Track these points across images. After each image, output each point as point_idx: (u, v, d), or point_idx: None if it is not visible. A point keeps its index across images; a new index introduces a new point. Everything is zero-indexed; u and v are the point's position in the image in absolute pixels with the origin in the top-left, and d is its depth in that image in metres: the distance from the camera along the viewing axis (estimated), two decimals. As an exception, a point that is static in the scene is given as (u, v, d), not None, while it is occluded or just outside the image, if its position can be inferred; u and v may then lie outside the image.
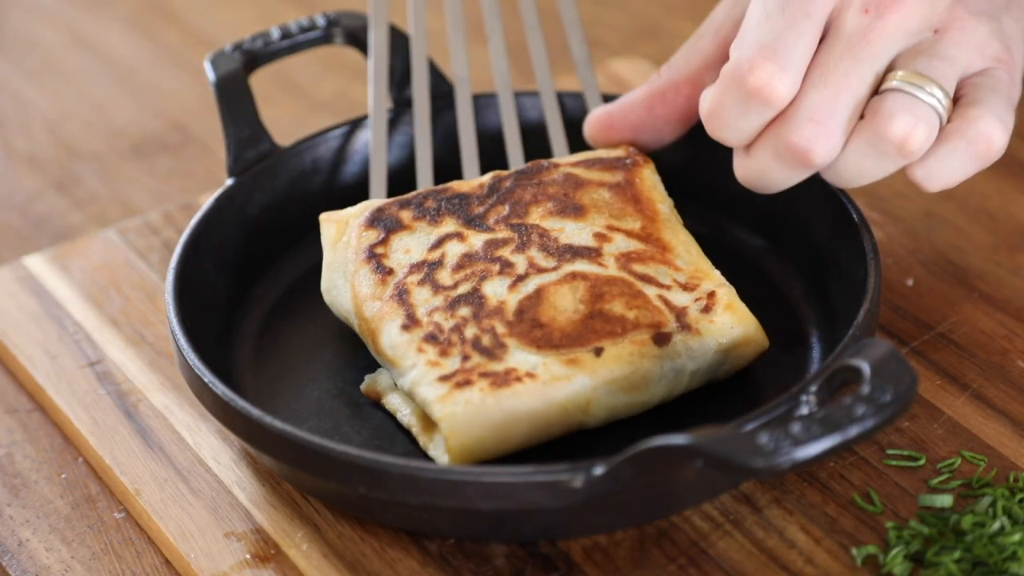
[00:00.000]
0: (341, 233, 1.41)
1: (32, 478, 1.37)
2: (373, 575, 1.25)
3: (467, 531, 1.26)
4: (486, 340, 1.30)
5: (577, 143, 1.53)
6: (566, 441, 1.30)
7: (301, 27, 1.56)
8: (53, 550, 1.31)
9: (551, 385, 1.27)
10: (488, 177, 1.44)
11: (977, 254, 1.57)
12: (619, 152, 1.45)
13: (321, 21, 1.57)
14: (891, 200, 1.65)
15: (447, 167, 1.57)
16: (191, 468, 1.35)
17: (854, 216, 1.39)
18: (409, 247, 1.39)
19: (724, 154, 1.52)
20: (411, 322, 1.32)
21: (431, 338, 1.30)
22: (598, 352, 1.28)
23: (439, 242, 1.38)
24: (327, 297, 1.41)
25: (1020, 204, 1.63)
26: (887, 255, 1.51)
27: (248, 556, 1.28)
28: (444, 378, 1.27)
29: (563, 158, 1.46)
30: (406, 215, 1.41)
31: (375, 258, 1.38)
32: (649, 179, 1.43)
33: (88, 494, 1.36)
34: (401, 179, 1.57)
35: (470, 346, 1.29)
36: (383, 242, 1.39)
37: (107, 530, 1.33)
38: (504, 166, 1.52)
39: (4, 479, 1.37)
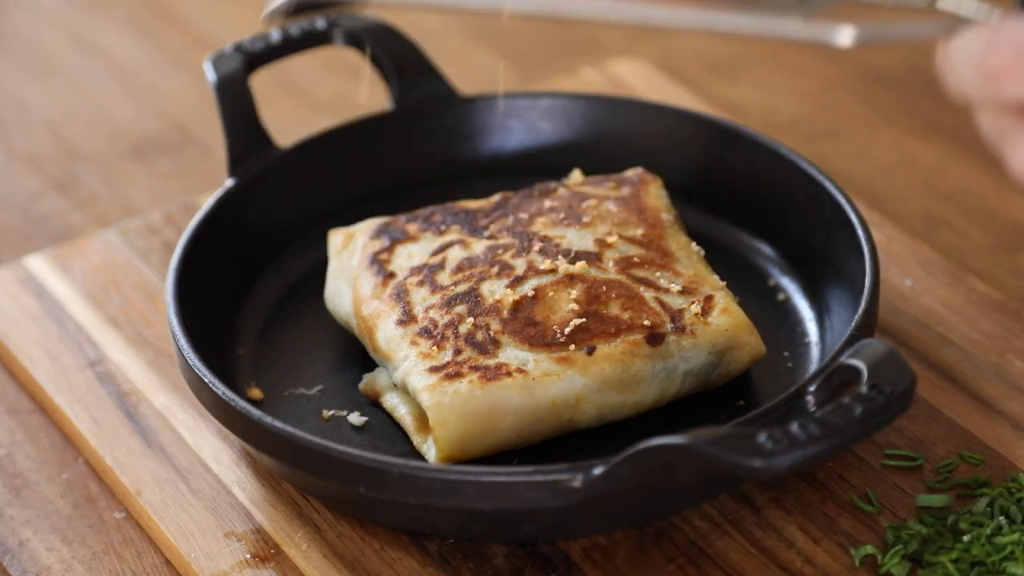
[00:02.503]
0: (346, 245, 1.42)
1: (33, 478, 1.38)
2: (373, 575, 1.26)
3: (466, 531, 1.26)
4: (479, 336, 1.30)
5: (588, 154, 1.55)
6: (564, 443, 1.31)
7: (301, 28, 1.56)
8: (54, 550, 1.31)
9: (541, 381, 1.27)
10: (497, 196, 1.45)
11: (976, 254, 1.57)
12: (628, 173, 1.46)
13: (321, 22, 1.57)
14: (890, 200, 1.65)
15: (448, 169, 1.58)
16: (191, 468, 1.35)
17: (853, 217, 1.39)
18: (412, 253, 1.39)
19: (725, 157, 1.53)
20: (407, 318, 1.33)
21: (425, 332, 1.31)
22: (590, 351, 1.29)
23: (441, 248, 1.39)
24: (330, 305, 1.41)
25: (1019, 204, 1.64)
26: (886, 255, 1.51)
27: (248, 556, 1.28)
28: (434, 369, 1.28)
29: (572, 180, 1.47)
30: (412, 227, 1.42)
31: (378, 263, 1.39)
32: (655, 192, 1.44)
33: (89, 494, 1.36)
34: (401, 181, 1.57)
35: (463, 341, 1.30)
36: (387, 250, 1.40)
37: (108, 530, 1.33)
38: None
39: (5, 479, 1.37)
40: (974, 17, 1.05)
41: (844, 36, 1.04)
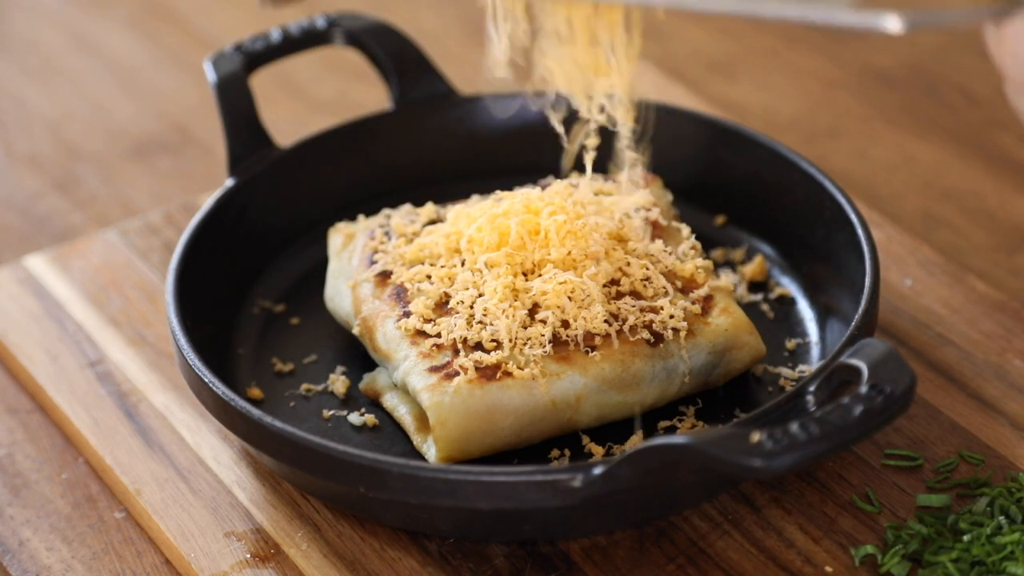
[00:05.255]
0: (346, 245, 1.42)
1: (33, 478, 1.38)
2: (373, 575, 1.26)
3: (466, 531, 1.26)
4: (479, 335, 1.30)
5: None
6: (564, 443, 1.31)
7: (301, 28, 1.56)
8: (54, 550, 1.31)
9: (541, 380, 1.27)
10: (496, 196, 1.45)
11: (976, 254, 1.57)
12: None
13: (321, 22, 1.57)
14: (890, 200, 1.65)
15: (448, 169, 1.58)
16: (191, 468, 1.35)
17: (853, 217, 1.40)
18: (412, 253, 1.39)
19: (725, 157, 1.53)
20: (406, 317, 1.33)
21: (425, 332, 1.31)
22: (590, 350, 1.29)
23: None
24: (330, 304, 1.41)
25: (1019, 204, 1.64)
26: (886, 255, 1.51)
27: (248, 556, 1.28)
28: (435, 368, 1.28)
29: (572, 179, 1.47)
30: (412, 227, 1.42)
31: (377, 263, 1.39)
32: (655, 192, 1.44)
33: (89, 494, 1.36)
34: (401, 181, 1.57)
35: (462, 340, 1.30)
36: (388, 250, 1.40)
37: (108, 530, 1.33)
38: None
39: (5, 479, 1.37)
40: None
41: (892, 22, 1.00)
